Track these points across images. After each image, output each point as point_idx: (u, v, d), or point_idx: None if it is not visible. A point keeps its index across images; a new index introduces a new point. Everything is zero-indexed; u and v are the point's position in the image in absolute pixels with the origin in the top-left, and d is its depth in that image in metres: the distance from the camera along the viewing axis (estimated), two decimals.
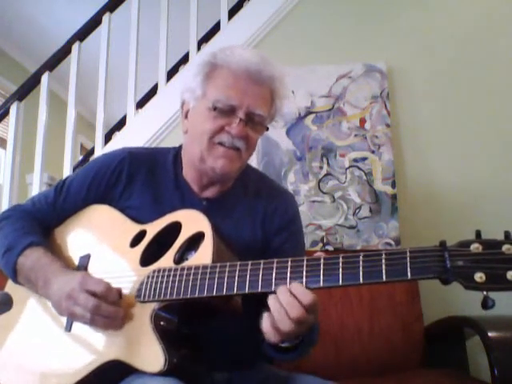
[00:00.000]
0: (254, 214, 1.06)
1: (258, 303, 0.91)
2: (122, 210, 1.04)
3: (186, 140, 1.08)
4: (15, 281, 1.01)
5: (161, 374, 0.79)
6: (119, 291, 0.88)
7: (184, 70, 2.48)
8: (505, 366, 1.31)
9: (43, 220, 1.09)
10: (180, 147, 1.13)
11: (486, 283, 0.61)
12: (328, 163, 2.08)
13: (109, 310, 0.84)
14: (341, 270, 0.71)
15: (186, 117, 1.06)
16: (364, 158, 2.08)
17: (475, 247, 0.63)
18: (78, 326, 0.93)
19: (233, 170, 1.02)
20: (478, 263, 0.62)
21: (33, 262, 0.96)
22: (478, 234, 0.65)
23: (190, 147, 1.05)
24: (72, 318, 0.89)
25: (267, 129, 1.05)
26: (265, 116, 1.01)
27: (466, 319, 1.54)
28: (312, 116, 2.14)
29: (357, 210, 2.02)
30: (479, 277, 0.61)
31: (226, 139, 0.98)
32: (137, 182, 1.06)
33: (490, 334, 1.36)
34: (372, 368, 1.64)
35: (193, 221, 0.91)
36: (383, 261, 0.69)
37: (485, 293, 0.62)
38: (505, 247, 0.61)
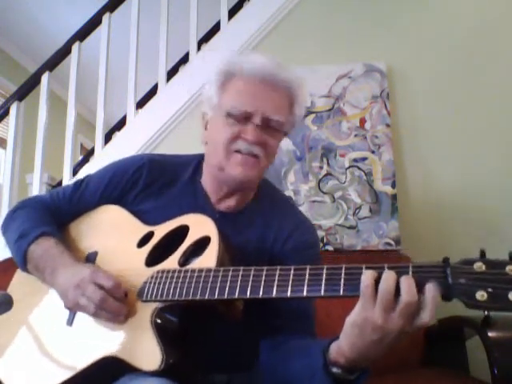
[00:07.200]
0: (264, 238, 1.04)
1: (259, 307, 0.91)
2: (133, 213, 1.05)
3: (206, 151, 1.07)
4: (24, 268, 1.03)
5: (156, 373, 0.79)
6: (126, 291, 0.89)
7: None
8: (505, 366, 1.31)
9: (57, 214, 1.11)
10: (203, 156, 1.11)
11: (487, 302, 0.61)
12: (328, 163, 2.09)
13: (114, 305, 0.85)
14: (342, 280, 0.71)
15: (206, 128, 1.05)
16: (364, 158, 2.08)
17: (478, 266, 0.63)
18: (79, 321, 0.93)
19: (252, 178, 0.99)
20: (480, 282, 0.62)
21: (43, 250, 0.99)
22: (483, 253, 0.64)
23: (209, 158, 1.04)
24: (76, 308, 0.90)
25: (286, 134, 1.02)
26: (282, 121, 0.98)
27: (466, 319, 1.54)
28: (312, 116, 2.14)
29: (357, 210, 2.02)
30: (481, 295, 0.61)
31: (243, 146, 0.96)
32: (153, 189, 1.06)
33: (489, 334, 1.36)
34: (372, 368, 1.64)
35: (200, 225, 0.92)
36: None
37: (486, 312, 0.62)
38: (508, 268, 0.61)
